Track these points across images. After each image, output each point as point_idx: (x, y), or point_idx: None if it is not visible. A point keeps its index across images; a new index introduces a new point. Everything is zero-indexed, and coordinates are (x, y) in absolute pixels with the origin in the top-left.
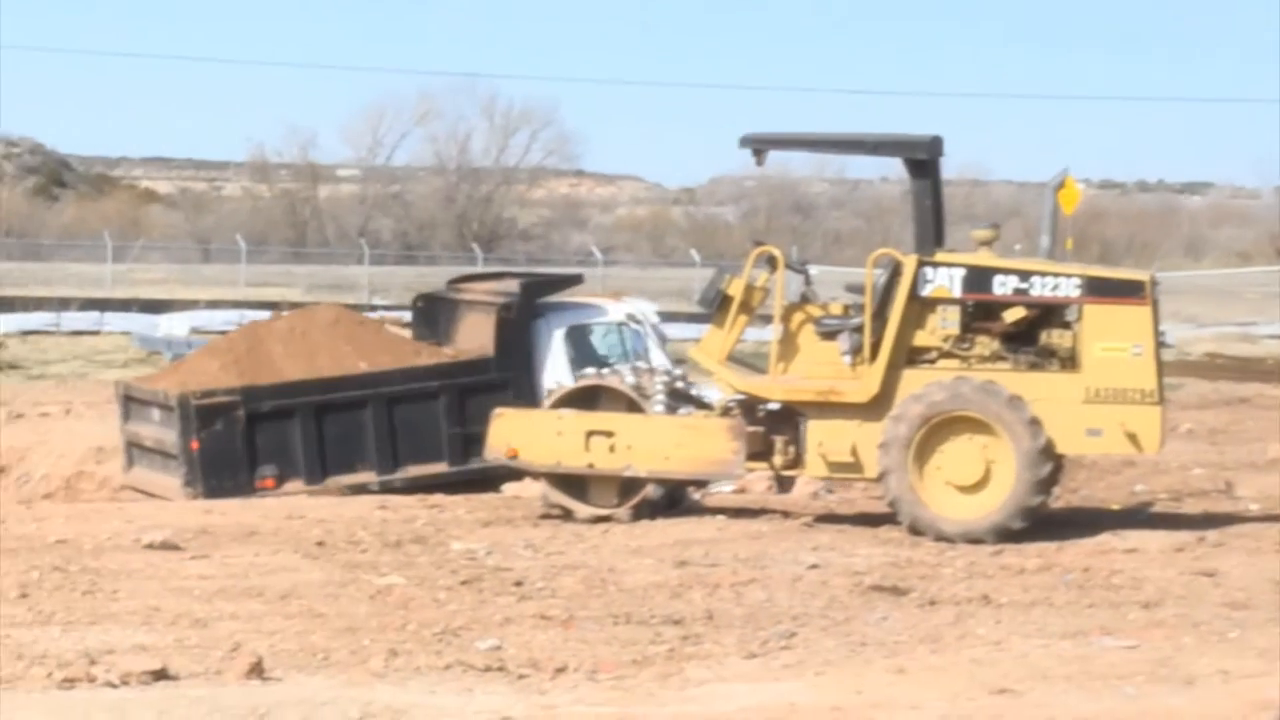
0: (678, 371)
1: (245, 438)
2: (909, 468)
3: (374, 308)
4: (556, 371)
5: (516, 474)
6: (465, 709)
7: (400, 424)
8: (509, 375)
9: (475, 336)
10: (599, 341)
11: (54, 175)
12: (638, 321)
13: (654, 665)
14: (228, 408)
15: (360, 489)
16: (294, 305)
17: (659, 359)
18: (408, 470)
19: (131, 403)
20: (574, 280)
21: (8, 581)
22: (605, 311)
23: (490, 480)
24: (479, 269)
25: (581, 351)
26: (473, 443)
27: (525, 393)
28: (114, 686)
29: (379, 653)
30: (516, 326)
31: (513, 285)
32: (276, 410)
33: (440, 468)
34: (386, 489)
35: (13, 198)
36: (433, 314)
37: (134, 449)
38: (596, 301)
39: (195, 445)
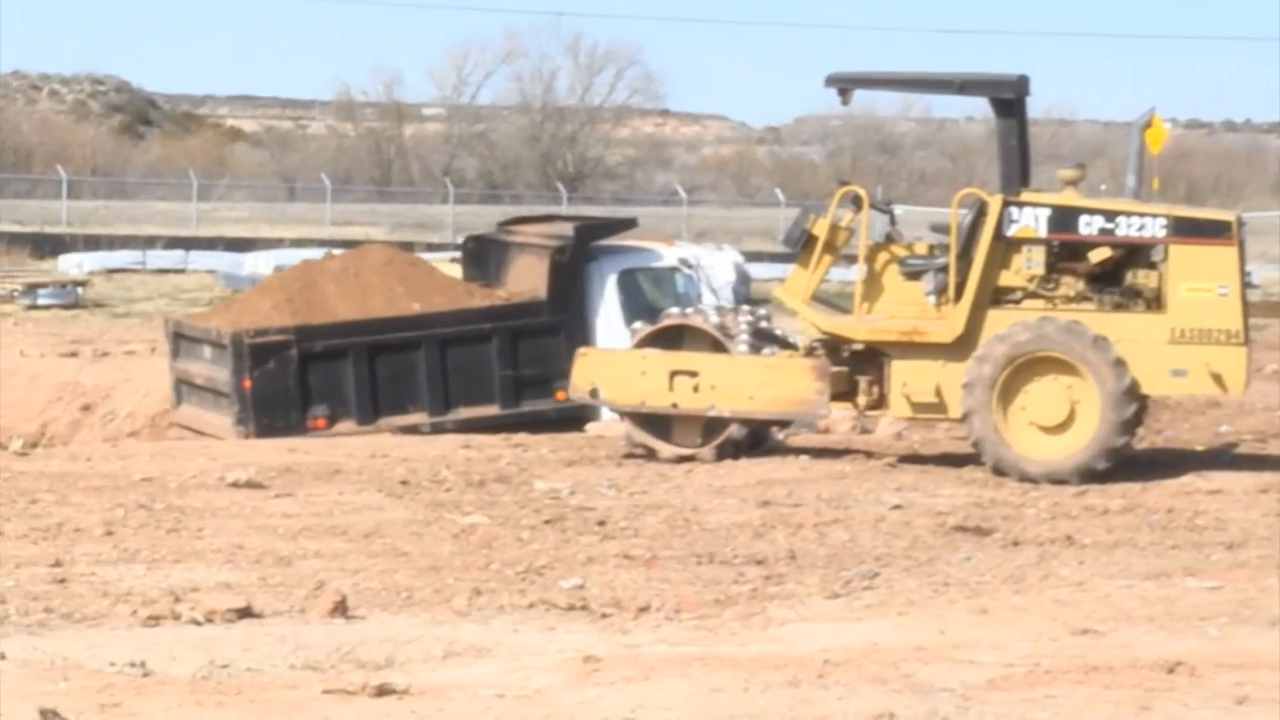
0: (762, 311)
1: (298, 377)
2: (993, 408)
3: (458, 246)
4: (609, 316)
5: (568, 416)
6: (548, 647)
7: (452, 366)
8: (561, 319)
9: (527, 279)
10: (651, 286)
11: (140, 113)
12: (690, 266)
13: (737, 605)
14: (281, 346)
15: (412, 430)
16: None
17: (710, 302)
18: (459, 412)
19: (182, 340)
20: (628, 224)
21: (93, 519)
22: (658, 256)
23: (542, 423)
24: (564, 209)
25: (633, 296)
26: (525, 385)
27: (577, 336)
28: (198, 624)
29: (462, 591)
30: (570, 270)
31: (566, 228)
32: (329, 350)
33: (492, 410)
34: (438, 430)
35: (99, 136)
36: (483, 256)
37: (183, 386)
38: (649, 246)
39: (248, 384)
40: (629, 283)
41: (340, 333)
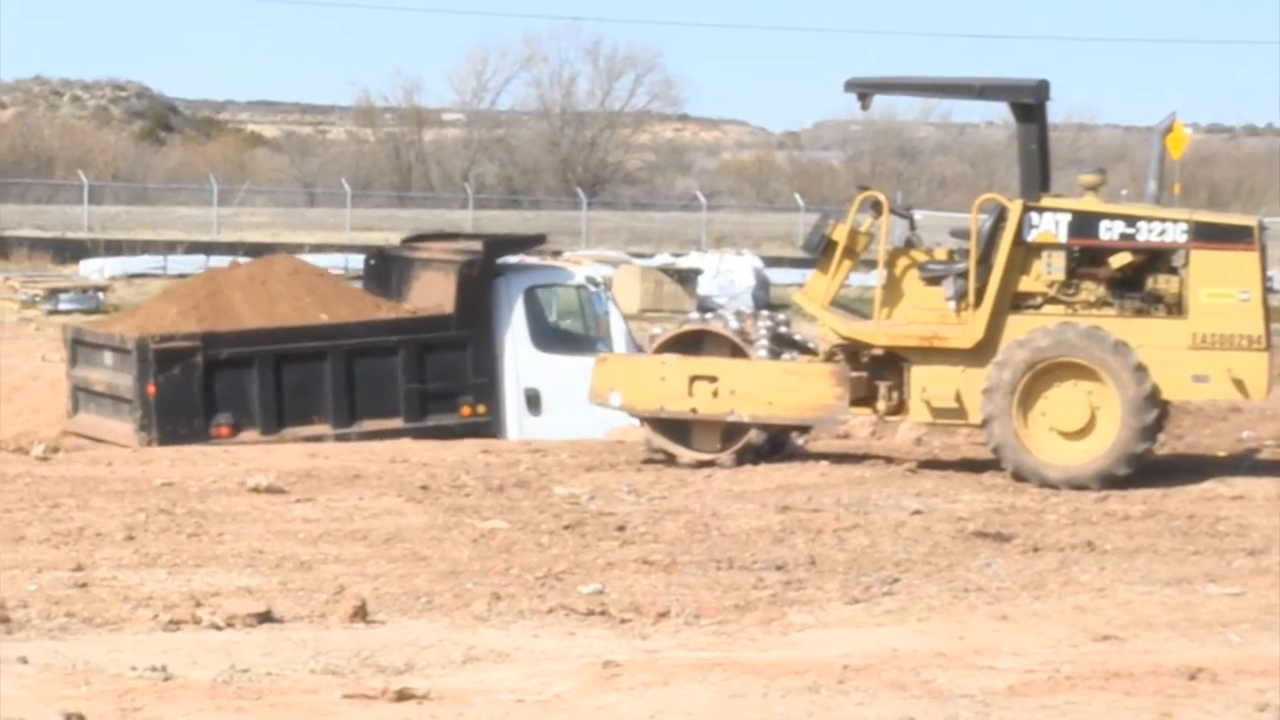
0: (781, 316)
1: (203, 384)
2: (1013, 414)
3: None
4: (515, 332)
5: (476, 432)
6: (567, 653)
7: (358, 378)
8: (468, 333)
9: (434, 294)
10: (558, 303)
11: (160, 119)
12: (597, 284)
13: (756, 610)
14: (186, 353)
15: (314, 441)
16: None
17: (617, 324)
18: (363, 424)
19: (81, 346)
20: (536, 240)
21: (114, 524)
22: (567, 274)
23: (445, 439)
24: (584, 214)
25: (541, 313)
26: (429, 399)
27: (483, 352)
28: (219, 629)
29: (482, 596)
30: (478, 285)
31: (474, 244)
32: (235, 358)
33: (396, 423)
34: (341, 442)
35: (120, 141)
36: (386, 271)
37: (81, 394)
38: (557, 264)
39: (152, 390)
40: (536, 299)
41: (246, 340)
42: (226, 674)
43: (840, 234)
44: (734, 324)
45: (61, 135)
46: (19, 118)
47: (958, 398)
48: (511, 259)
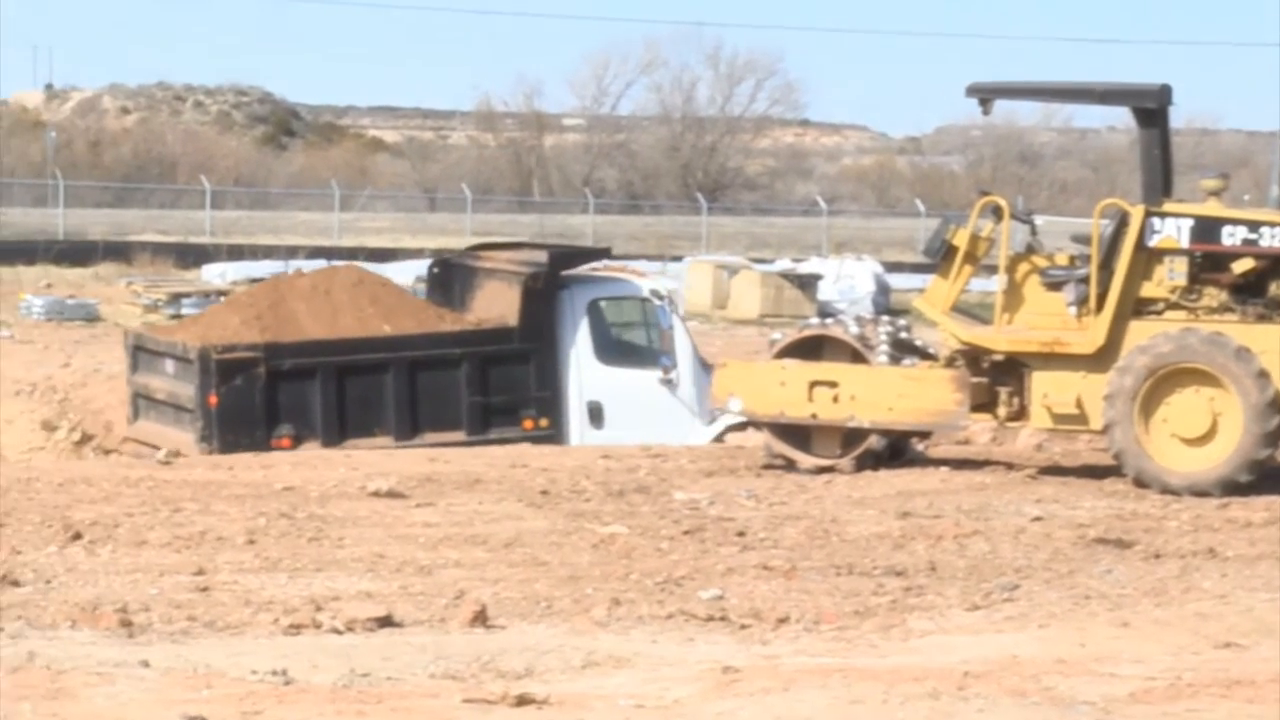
0: (902, 322)
1: (265, 395)
2: (1134, 420)
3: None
4: (580, 346)
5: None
6: (687, 658)
7: (420, 390)
8: (532, 347)
9: (496, 306)
10: (622, 317)
11: (282, 124)
12: (661, 297)
13: (876, 616)
14: (249, 363)
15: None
16: None
17: (682, 338)
18: (425, 437)
19: (142, 353)
20: (601, 253)
21: (235, 528)
22: (632, 286)
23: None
24: (704, 219)
25: (605, 326)
26: (492, 413)
27: (547, 365)
28: (339, 633)
29: (602, 601)
30: (542, 297)
31: (539, 255)
32: (297, 369)
33: (458, 436)
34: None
35: (242, 146)
36: (449, 280)
37: (142, 400)
38: (623, 276)
39: (214, 400)
40: (600, 312)
41: (309, 351)
42: (346, 678)
43: (961, 239)
44: (854, 329)
45: (184, 141)
46: (142, 123)
47: (1079, 403)
48: (577, 271)
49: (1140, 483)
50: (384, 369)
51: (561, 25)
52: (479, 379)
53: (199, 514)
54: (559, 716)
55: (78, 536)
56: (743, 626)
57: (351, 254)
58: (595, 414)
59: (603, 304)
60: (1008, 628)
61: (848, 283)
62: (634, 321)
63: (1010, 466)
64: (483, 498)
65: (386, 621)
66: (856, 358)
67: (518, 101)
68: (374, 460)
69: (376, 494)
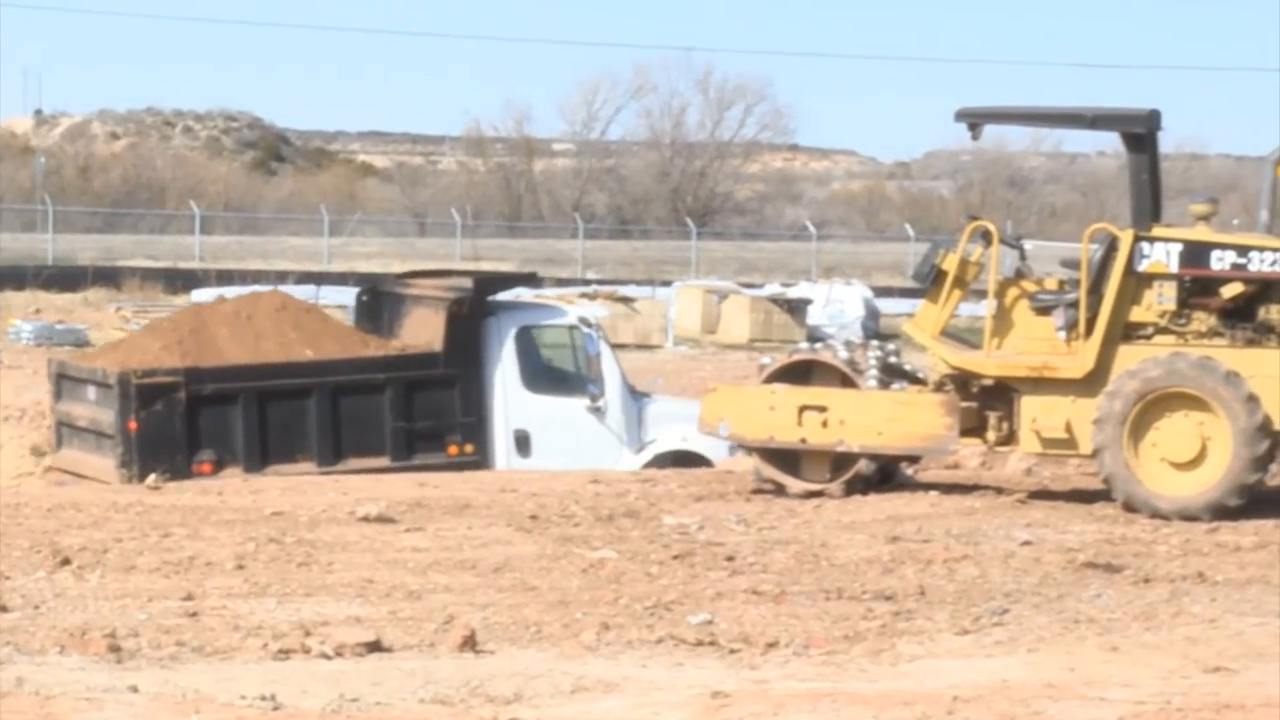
0: (891, 346)
1: (185, 420)
2: (1124, 444)
3: (587, 282)
4: (506, 372)
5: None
6: (677, 683)
7: (344, 415)
8: (457, 372)
9: (423, 332)
10: (549, 344)
11: (272, 149)
12: (590, 325)
13: (866, 641)
14: (169, 388)
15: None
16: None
17: (610, 366)
18: (349, 463)
19: (65, 381)
20: (528, 279)
21: (225, 553)
22: (560, 313)
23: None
24: (693, 244)
25: (532, 353)
26: (416, 438)
27: (472, 391)
28: (328, 658)
29: (591, 626)
30: (468, 323)
31: (465, 281)
32: (219, 394)
33: (382, 462)
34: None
35: (232, 171)
36: (377, 307)
37: (65, 429)
38: (550, 303)
39: (134, 425)
40: (528, 340)
41: (230, 376)
42: (336, 703)
43: (950, 264)
44: (844, 354)
45: (173, 166)
46: (132, 148)
47: (1068, 428)
48: (504, 297)
49: (1129, 507)
50: (307, 394)
51: (551, 50)
52: (403, 405)
53: (188, 539)
54: None
55: (66, 562)
56: (732, 651)
57: (342, 279)
58: (522, 441)
59: (530, 331)
60: (997, 652)
61: (837, 307)
62: (562, 349)
63: (999, 491)
64: (472, 522)
65: (375, 646)
66: (846, 382)
67: (507, 126)
68: (363, 485)
69: (366, 519)
